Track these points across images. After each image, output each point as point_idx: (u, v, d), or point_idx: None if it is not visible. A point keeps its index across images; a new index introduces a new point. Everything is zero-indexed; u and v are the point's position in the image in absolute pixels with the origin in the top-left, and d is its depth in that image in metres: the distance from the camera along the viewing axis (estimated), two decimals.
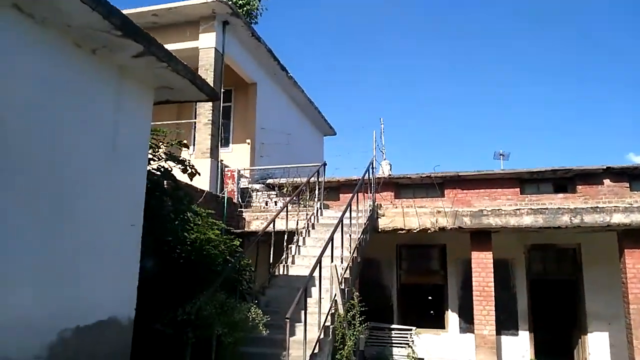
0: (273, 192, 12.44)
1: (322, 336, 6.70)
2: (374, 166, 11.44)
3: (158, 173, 6.73)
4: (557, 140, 39.70)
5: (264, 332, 6.04)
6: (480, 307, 9.64)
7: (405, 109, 44.79)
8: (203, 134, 12.08)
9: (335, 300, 7.37)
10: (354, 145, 43.65)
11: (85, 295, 4.07)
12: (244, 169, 12.84)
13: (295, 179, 12.32)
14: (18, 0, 3.34)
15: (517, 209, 10.03)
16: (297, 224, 9.74)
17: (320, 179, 11.04)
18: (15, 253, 3.40)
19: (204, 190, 10.06)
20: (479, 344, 9.71)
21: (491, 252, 9.92)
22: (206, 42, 12.41)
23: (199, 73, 12.67)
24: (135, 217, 4.74)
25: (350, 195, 12.56)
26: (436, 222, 10.30)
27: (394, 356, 10.91)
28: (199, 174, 7.03)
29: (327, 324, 7.00)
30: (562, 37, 39.50)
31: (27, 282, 3.51)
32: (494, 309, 9.61)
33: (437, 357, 10.77)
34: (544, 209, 9.91)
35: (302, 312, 6.48)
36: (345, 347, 7.20)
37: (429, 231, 10.32)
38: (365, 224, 9.64)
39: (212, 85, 5.44)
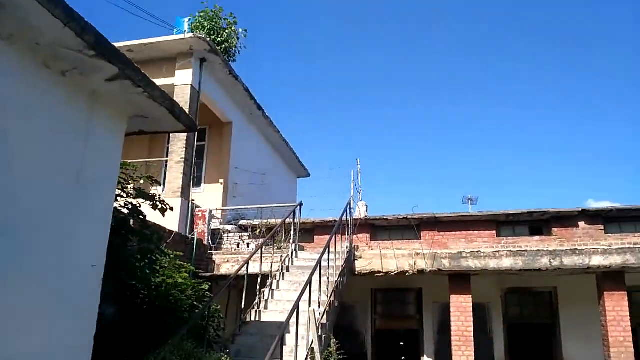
0: (245, 234, 12.01)
1: None
2: (352, 206, 11.21)
3: (125, 211, 6.33)
4: (520, 187, 40.54)
5: None
6: (460, 353, 9.27)
7: (377, 153, 45.27)
8: (175, 173, 11.67)
9: (312, 349, 6.91)
10: (327, 187, 43.54)
11: (31, 350, 3.59)
12: (216, 210, 12.41)
13: (269, 220, 11.95)
14: None
15: (496, 251, 9.87)
16: (272, 267, 9.31)
17: (295, 220, 10.70)
18: None
19: (172, 231, 9.59)
20: None
21: (470, 296, 9.65)
22: (182, 78, 12.21)
23: None
24: (96, 256, 4.29)
25: (326, 237, 12.38)
26: (414, 264, 10.02)
27: None
28: (172, 209, 6.65)
29: None
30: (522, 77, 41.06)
31: None
32: (473, 354, 9.26)
33: None
34: (522, 251, 9.78)
35: (268, 356, 6.02)
36: None
37: (407, 274, 10.02)
38: (342, 266, 9.30)
39: (189, 115, 5.12)
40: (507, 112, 41.95)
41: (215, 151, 14.37)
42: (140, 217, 6.42)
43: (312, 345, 6.98)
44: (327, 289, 8.25)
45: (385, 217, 12.37)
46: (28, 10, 3.04)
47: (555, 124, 41.54)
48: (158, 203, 6.62)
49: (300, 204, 11.13)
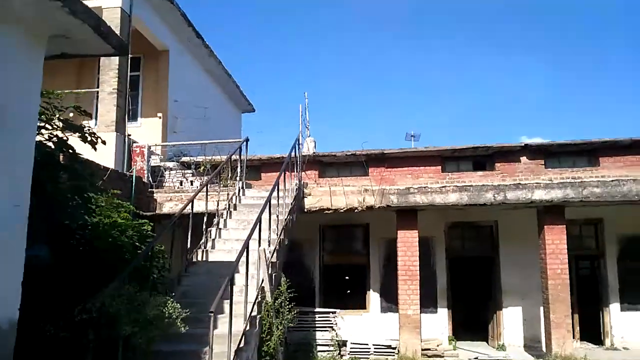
0: (188, 171, 11.43)
1: (248, 328, 6.06)
2: (300, 142, 10.85)
3: (51, 144, 5.65)
4: (459, 125, 41.58)
5: (183, 329, 5.27)
6: (405, 287, 9.51)
7: (323, 89, 44.54)
8: (107, 105, 10.75)
9: (263, 287, 6.75)
10: (274, 123, 42.70)
11: None
12: (155, 145, 11.67)
13: (213, 157, 11.40)
14: None
15: (442, 187, 9.96)
16: (218, 205, 8.92)
17: (242, 157, 10.24)
18: None
19: (108, 168, 8.90)
20: (403, 323, 9.60)
21: (417, 231, 9.80)
22: (111, 0, 10.96)
23: None
24: (19, 195, 3.76)
25: (273, 174, 12.03)
26: (363, 200, 9.98)
27: (317, 340, 10.54)
28: (104, 142, 6.02)
29: (253, 313, 6.36)
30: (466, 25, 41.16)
31: None
32: (418, 288, 9.53)
33: (359, 339, 10.55)
34: (468, 186, 9.92)
35: (226, 301, 5.82)
36: (272, 338, 6.64)
37: (356, 210, 9.99)
38: (291, 204, 9.07)
39: (118, 35, 4.46)
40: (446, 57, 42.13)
41: (151, 83, 13.36)
42: (69, 151, 5.77)
43: (262, 285, 6.81)
44: (277, 227, 8.02)
45: (333, 154, 12.15)
46: None
47: (492, 64, 42.31)
48: (87, 135, 5.96)
49: (247, 140, 10.62)
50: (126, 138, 10.78)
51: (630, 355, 10.12)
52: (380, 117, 43.19)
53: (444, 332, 11.17)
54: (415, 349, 9.45)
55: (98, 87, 11.29)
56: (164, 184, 11.09)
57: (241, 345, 5.77)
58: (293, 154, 10.06)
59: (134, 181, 9.50)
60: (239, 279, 6.63)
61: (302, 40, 46.44)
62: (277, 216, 8.17)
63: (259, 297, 6.64)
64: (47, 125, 5.78)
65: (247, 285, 6.26)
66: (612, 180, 9.58)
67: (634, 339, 10.69)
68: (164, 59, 13.39)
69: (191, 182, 11.14)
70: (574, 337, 10.10)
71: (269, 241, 7.51)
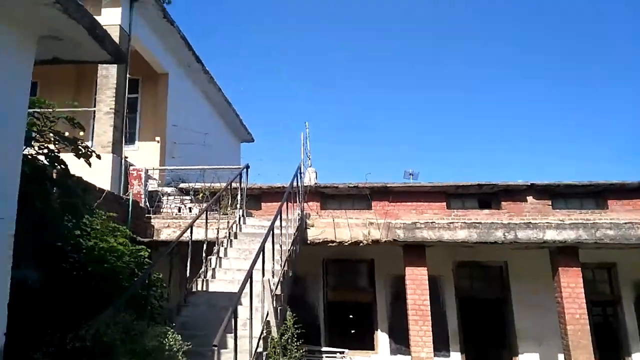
0: (187, 197, 10.95)
1: None
2: (302, 172, 10.48)
3: (42, 158, 5.22)
4: (456, 166, 41.65)
5: None
6: (417, 328, 8.96)
7: (322, 123, 44.47)
8: (104, 125, 10.33)
9: (268, 322, 6.22)
10: (272, 154, 42.42)
11: None
12: (153, 169, 11.21)
13: (212, 184, 10.96)
14: None
15: (450, 223, 9.58)
16: (218, 233, 8.44)
17: (242, 184, 9.82)
18: None
19: (104, 190, 8.41)
20: None
21: (426, 268, 9.33)
22: (110, 18, 10.70)
23: None
24: (4, 207, 3.32)
25: (273, 204, 11.68)
26: (368, 234, 9.54)
27: None
28: (99, 157, 5.60)
29: (259, 349, 5.82)
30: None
31: None
32: (430, 329, 8.98)
33: None
34: (477, 223, 9.56)
35: (229, 335, 5.32)
36: None
37: (361, 244, 9.53)
38: (294, 234, 8.61)
39: (114, 40, 4.14)
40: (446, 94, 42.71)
41: (149, 106, 13.02)
42: (62, 166, 5.33)
43: (268, 318, 6.29)
44: (281, 258, 7.55)
45: (336, 185, 11.77)
46: None
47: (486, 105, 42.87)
48: (81, 149, 5.53)
49: (247, 167, 10.24)
50: (123, 160, 10.33)
51: None
52: (379, 154, 43.11)
53: None
54: None
55: (95, 107, 10.90)
56: (161, 209, 10.58)
57: None
58: (295, 183, 9.67)
59: (130, 205, 9.00)
60: (242, 311, 6.13)
61: (301, 75, 46.82)
62: (281, 246, 7.71)
63: (264, 331, 6.11)
64: (38, 137, 5.38)
65: (251, 318, 5.73)
66: (626, 223, 9.29)
67: None
68: (163, 82, 13.12)
69: (189, 208, 10.64)
70: None
71: (273, 272, 7.02)
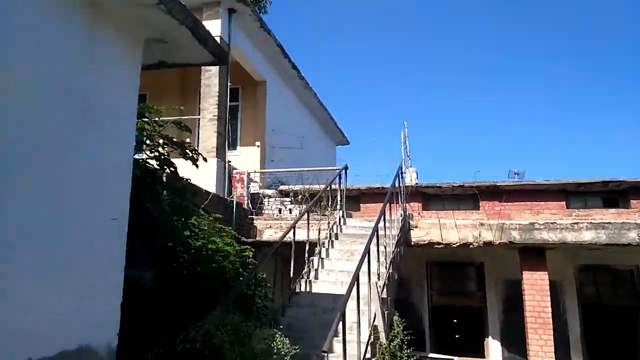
0: (287, 199, 10.99)
1: None
2: (403, 171, 10.04)
3: (153, 162, 5.36)
4: (565, 159, 38.33)
5: None
6: (536, 336, 8.14)
7: (419, 122, 43.36)
8: (208, 131, 10.69)
9: (375, 326, 5.89)
10: (368, 156, 42.17)
11: (40, 319, 2.66)
12: (255, 172, 11.42)
13: (311, 186, 10.90)
14: None
15: (574, 223, 8.61)
16: (319, 234, 8.28)
17: (342, 185, 9.63)
18: None
19: (209, 192, 8.62)
20: None
21: (546, 272, 8.46)
22: (210, 29, 10.97)
23: (202, 67, 11.44)
24: (117, 208, 3.32)
25: (372, 205, 11.39)
26: (479, 235, 8.85)
27: None
28: (205, 159, 5.65)
29: (367, 355, 5.51)
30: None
31: None
32: (552, 338, 8.12)
33: None
34: (605, 223, 8.50)
35: (335, 339, 5.06)
36: None
37: (471, 246, 8.87)
38: (398, 235, 8.21)
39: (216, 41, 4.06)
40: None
41: (249, 112, 13.34)
42: (171, 169, 5.43)
43: (375, 323, 5.95)
44: (385, 260, 7.19)
45: (438, 185, 11.18)
46: None
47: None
48: (189, 152, 5.60)
49: (346, 167, 10.02)
50: (226, 164, 10.61)
51: None
52: (480, 153, 41.10)
53: None
54: None
55: (199, 115, 11.34)
56: (263, 211, 10.73)
57: None
58: (397, 183, 9.25)
59: (234, 207, 9.16)
60: (348, 314, 5.81)
61: (395, 74, 46.12)
62: (385, 248, 7.35)
63: (372, 337, 5.78)
64: (147, 141, 5.52)
65: (359, 322, 5.43)
66: None
67: None
68: (261, 89, 13.39)
69: (290, 210, 10.66)
70: None
71: (378, 275, 6.68)
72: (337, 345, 5.12)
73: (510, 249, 8.87)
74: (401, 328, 6.17)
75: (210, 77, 11.20)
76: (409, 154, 11.86)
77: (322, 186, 9.90)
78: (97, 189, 3.13)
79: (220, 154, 10.56)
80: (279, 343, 4.53)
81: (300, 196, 10.76)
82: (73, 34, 2.98)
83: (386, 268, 7.08)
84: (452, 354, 9.73)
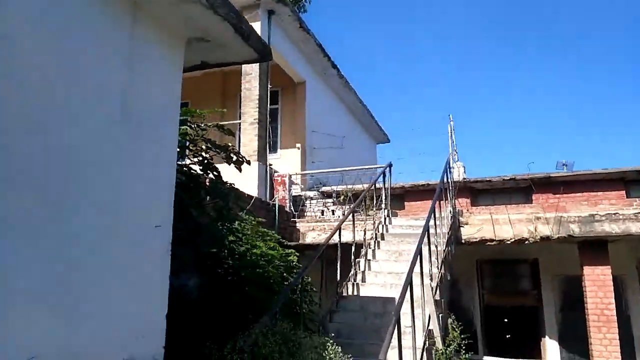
0: (329, 200, 10.80)
1: None
2: (451, 166, 9.65)
3: (197, 167, 5.28)
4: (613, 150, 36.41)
5: None
6: (600, 335, 7.61)
7: (462, 116, 42.25)
8: (249, 135, 10.64)
9: (430, 331, 5.59)
10: (408, 153, 41.47)
11: (86, 334, 2.56)
12: (296, 174, 11.28)
13: (354, 186, 10.66)
14: None
15: (638, 213, 8.01)
16: (365, 235, 8.03)
17: (386, 184, 9.35)
18: None
19: (252, 196, 8.54)
20: None
21: (609, 267, 7.91)
22: None
23: (242, 70, 11.41)
24: (161, 214, 3.19)
25: (418, 202, 11.04)
26: (535, 230, 8.36)
27: None
28: (249, 162, 5.51)
29: None
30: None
31: None
32: (617, 337, 7.58)
33: None
34: None
35: (385, 344, 4.78)
36: None
37: (527, 242, 8.40)
38: (448, 233, 7.85)
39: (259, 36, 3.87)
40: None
41: (289, 114, 13.23)
42: (214, 173, 5.33)
43: (430, 327, 5.66)
44: (437, 260, 6.87)
45: (487, 179, 10.70)
46: None
47: None
48: (233, 155, 5.48)
49: (390, 165, 9.75)
50: (268, 167, 10.53)
51: None
52: (525, 145, 39.62)
53: None
54: None
55: (240, 119, 11.32)
56: (305, 213, 10.57)
57: None
58: (445, 178, 8.87)
59: (277, 210, 9.05)
60: (401, 319, 5.57)
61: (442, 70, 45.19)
62: (436, 247, 7.02)
63: (427, 342, 5.48)
64: (190, 146, 5.45)
65: (414, 327, 5.16)
66: None
67: None
68: (301, 90, 13.25)
69: (332, 211, 10.47)
70: None
71: (431, 275, 6.37)
72: (391, 353, 4.85)
73: (568, 243, 8.35)
74: (458, 332, 5.84)
75: (250, 80, 11.16)
76: (455, 148, 11.42)
77: (365, 186, 9.66)
78: (139, 196, 3.01)
79: (262, 157, 10.48)
80: (331, 352, 4.32)
81: (342, 197, 10.55)
82: (112, 34, 2.88)
83: (438, 268, 6.77)
84: (505, 356, 9.26)
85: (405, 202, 11.29)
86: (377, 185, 9.30)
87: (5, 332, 2.14)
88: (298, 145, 12.54)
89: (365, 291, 6.88)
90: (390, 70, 45.89)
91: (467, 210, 10.19)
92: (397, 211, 10.85)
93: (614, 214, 8.08)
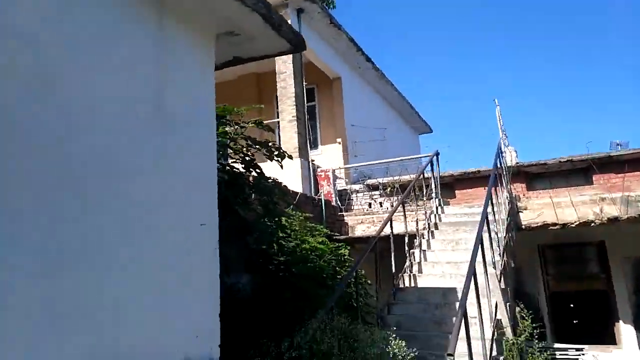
0: (376, 193, 10.48)
1: None
2: (502, 150, 9.15)
3: (238, 166, 5.13)
4: None
5: None
6: None
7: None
8: (288, 132, 10.48)
9: (499, 321, 5.19)
10: (452, 142, 40.46)
11: (142, 335, 2.42)
12: (339, 169, 11.03)
13: (400, 177, 10.31)
14: None
15: None
16: (417, 225, 7.67)
17: (434, 173, 8.96)
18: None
19: (297, 192, 8.34)
20: None
21: None
22: None
23: (276, 69, 11.28)
24: (205, 213, 3.04)
25: (468, 190, 10.56)
26: (601, 212, 7.77)
27: None
28: (290, 157, 5.31)
29: (493, 353, 4.85)
30: None
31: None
32: None
33: None
34: None
35: (453, 336, 4.42)
36: None
37: (593, 224, 7.81)
38: (507, 219, 7.39)
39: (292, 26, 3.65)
40: None
41: (327, 110, 13.00)
42: (257, 170, 5.17)
43: (498, 317, 5.26)
44: (499, 247, 6.44)
45: (543, 162, 10.09)
46: None
47: None
48: (274, 150, 5.29)
49: (437, 154, 9.34)
50: (310, 163, 10.32)
51: None
52: (572, 127, 37.90)
53: None
54: None
55: (278, 118, 11.18)
56: (352, 207, 10.30)
57: None
58: (498, 163, 8.40)
59: (323, 205, 8.82)
60: (469, 310, 5.21)
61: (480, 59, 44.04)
62: (496, 234, 6.60)
63: (495, 332, 5.09)
64: (231, 144, 5.29)
65: (481, 317, 4.77)
66: None
67: None
68: (336, 85, 13.01)
69: (380, 203, 10.14)
70: None
71: (493, 263, 5.96)
72: (459, 344, 4.50)
73: (633, 224, 7.72)
74: (529, 321, 5.40)
75: (285, 78, 11.02)
76: (505, 133, 10.86)
77: (411, 176, 9.33)
78: (182, 196, 2.86)
79: (303, 153, 10.30)
80: (395, 346, 4.00)
81: (389, 189, 10.22)
82: (141, 33, 2.73)
83: (500, 256, 6.34)
84: (575, 343, 8.64)
85: (456, 191, 10.82)
86: (425, 175, 8.93)
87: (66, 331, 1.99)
88: (338, 140, 12.30)
89: (422, 282, 6.53)
90: (429, 57, 44.88)
91: (524, 195, 9.66)
92: (449, 200, 10.43)
93: None
